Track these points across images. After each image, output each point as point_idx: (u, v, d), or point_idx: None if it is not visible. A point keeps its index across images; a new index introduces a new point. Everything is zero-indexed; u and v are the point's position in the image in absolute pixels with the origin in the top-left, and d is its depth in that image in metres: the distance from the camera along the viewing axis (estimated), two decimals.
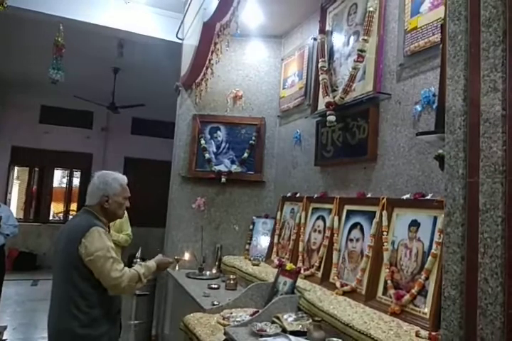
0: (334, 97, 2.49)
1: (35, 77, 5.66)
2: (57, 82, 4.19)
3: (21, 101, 7.75)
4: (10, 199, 8.01)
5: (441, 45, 1.51)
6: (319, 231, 2.49)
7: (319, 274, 2.31)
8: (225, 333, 1.83)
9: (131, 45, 4.77)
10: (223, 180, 3.45)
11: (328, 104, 2.48)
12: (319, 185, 2.77)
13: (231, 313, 2.12)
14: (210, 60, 3.24)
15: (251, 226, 3.41)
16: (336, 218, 2.32)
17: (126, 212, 3.50)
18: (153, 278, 3.25)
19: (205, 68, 3.34)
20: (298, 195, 2.94)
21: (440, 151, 1.28)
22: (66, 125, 8.14)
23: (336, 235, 2.28)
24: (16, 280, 5.83)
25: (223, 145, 3.57)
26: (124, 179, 1.93)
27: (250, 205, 3.57)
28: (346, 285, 2.05)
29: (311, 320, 1.78)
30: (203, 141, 3.55)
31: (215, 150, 3.57)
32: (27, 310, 5.01)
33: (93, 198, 1.86)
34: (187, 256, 2.20)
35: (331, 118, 2.43)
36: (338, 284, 2.09)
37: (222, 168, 3.52)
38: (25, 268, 6.97)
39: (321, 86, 2.67)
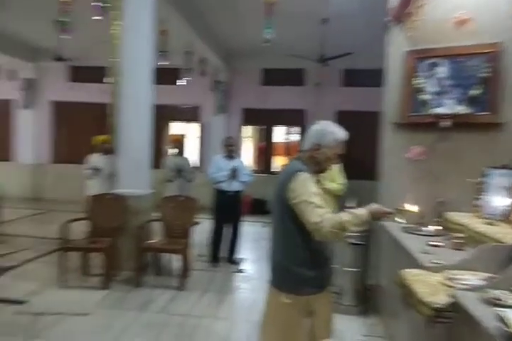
0: None
1: (254, 41, 6.17)
2: (269, 42, 4.42)
3: (245, 66, 8.77)
4: (241, 154, 9.42)
5: None
6: None
7: None
8: (453, 296, 1.59)
9: None
10: (445, 124, 2.95)
11: None
12: None
13: (456, 275, 1.84)
14: None
15: (482, 179, 2.85)
16: None
17: (341, 164, 3.46)
18: (367, 229, 3.18)
19: None
20: None
21: None
22: (283, 84, 8.87)
23: None
24: (250, 221, 6.88)
25: (444, 83, 3.02)
26: (341, 135, 1.86)
27: (481, 154, 2.96)
28: None
29: None
30: (418, 81, 3.09)
31: (433, 90, 3.06)
32: (261, 247, 5.87)
33: (307, 143, 1.89)
34: (414, 208, 1.89)
35: None
36: None
37: (442, 110, 3.00)
38: (257, 212, 8.13)
39: None
